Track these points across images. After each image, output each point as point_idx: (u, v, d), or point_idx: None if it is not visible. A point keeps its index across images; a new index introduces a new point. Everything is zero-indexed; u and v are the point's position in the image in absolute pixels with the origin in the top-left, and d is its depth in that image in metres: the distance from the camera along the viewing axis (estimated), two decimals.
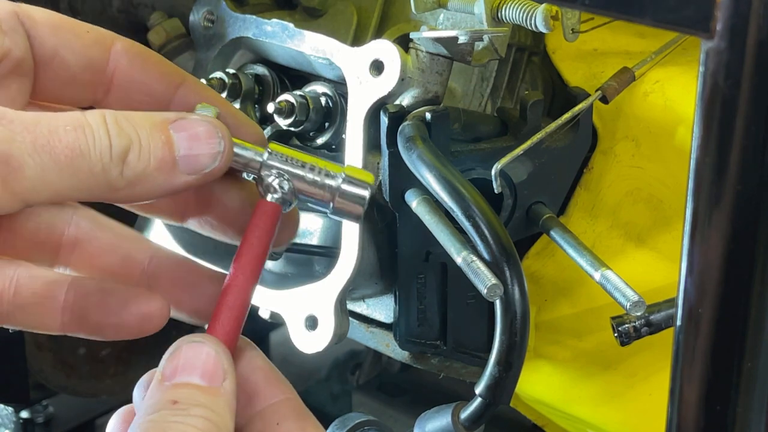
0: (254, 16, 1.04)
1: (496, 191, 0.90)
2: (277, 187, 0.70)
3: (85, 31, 0.72)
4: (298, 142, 1.04)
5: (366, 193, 0.70)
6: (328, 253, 1.04)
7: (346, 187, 0.70)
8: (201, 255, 1.05)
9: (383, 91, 0.92)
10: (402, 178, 0.92)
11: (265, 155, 0.70)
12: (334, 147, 1.02)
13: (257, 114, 1.07)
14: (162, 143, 0.67)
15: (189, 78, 0.74)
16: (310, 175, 0.70)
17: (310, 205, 0.71)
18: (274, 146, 0.71)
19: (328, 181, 0.70)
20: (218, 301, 0.70)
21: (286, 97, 0.99)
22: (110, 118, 0.67)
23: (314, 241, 1.07)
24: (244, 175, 0.73)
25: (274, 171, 0.70)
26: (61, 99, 0.74)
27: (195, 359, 0.68)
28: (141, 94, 0.74)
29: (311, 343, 0.96)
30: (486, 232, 0.83)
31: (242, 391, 0.70)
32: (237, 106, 1.04)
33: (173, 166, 0.68)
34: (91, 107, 0.72)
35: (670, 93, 0.97)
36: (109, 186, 0.66)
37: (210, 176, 0.69)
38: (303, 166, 0.70)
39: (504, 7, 0.90)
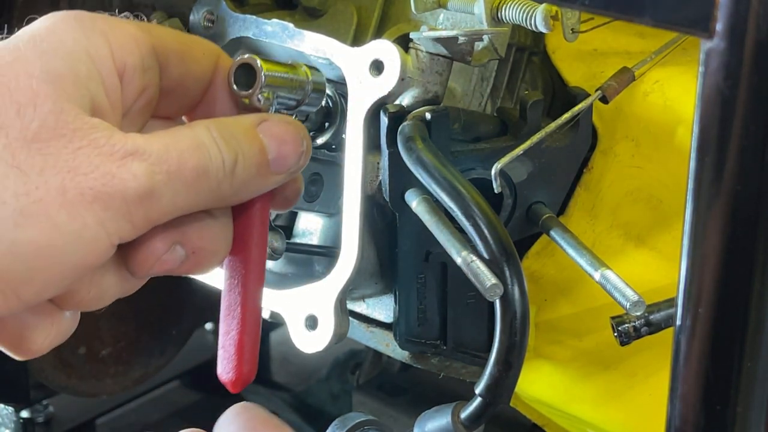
0: (254, 16, 1.04)
1: (496, 191, 0.90)
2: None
3: (202, 54, 0.76)
4: None
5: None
6: (328, 252, 1.04)
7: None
8: None
9: (383, 91, 0.92)
10: (402, 178, 0.92)
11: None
12: (334, 147, 1.01)
13: None
14: (258, 150, 0.71)
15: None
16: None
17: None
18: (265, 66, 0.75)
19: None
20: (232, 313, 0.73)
21: None
22: (215, 133, 0.70)
23: (314, 240, 1.07)
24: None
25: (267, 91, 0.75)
26: (168, 113, 0.77)
27: None
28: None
29: (311, 342, 0.96)
30: (486, 232, 0.83)
31: None
32: None
33: (268, 169, 0.72)
34: None
35: (670, 93, 0.97)
36: (220, 197, 0.70)
37: (294, 174, 0.74)
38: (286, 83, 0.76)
39: (504, 7, 0.90)
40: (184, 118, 0.78)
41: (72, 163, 0.64)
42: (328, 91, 1.01)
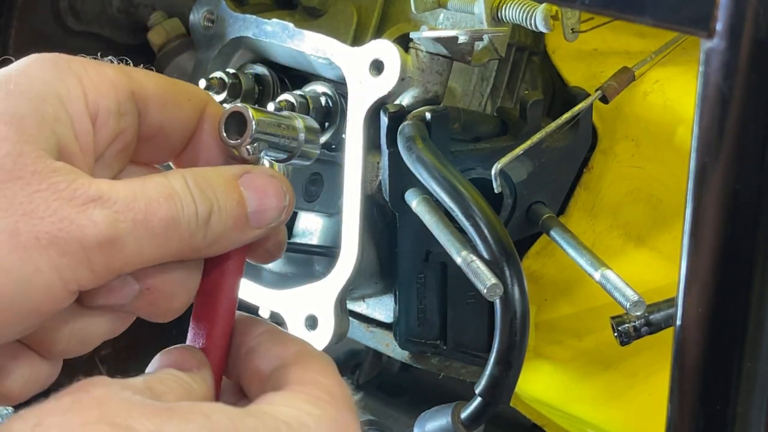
0: (254, 16, 1.04)
1: (496, 191, 0.90)
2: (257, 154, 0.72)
3: (187, 100, 0.73)
4: None
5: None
6: (328, 252, 1.04)
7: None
8: None
9: (383, 91, 0.92)
10: (402, 178, 0.92)
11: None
12: (334, 147, 1.02)
13: None
14: (236, 202, 0.69)
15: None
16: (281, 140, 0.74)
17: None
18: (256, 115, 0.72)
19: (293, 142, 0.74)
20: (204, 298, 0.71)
21: (286, 96, 0.99)
22: (191, 182, 0.68)
23: (314, 240, 1.07)
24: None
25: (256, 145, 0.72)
26: (149, 159, 0.75)
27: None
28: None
29: (311, 342, 0.96)
30: (486, 231, 0.83)
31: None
32: None
33: (246, 223, 0.70)
34: None
35: (670, 93, 0.97)
36: (193, 249, 0.68)
37: (275, 228, 0.72)
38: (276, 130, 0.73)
39: (504, 7, 0.90)
40: (171, 163, 0.77)
41: (28, 207, 0.62)
42: (328, 91, 1.02)
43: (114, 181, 0.66)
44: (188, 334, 0.72)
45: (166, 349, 0.71)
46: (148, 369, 0.70)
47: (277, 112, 0.74)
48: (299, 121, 0.74)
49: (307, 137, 0.74)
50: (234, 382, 0.72)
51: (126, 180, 0.67)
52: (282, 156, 0.74)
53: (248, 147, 0.71)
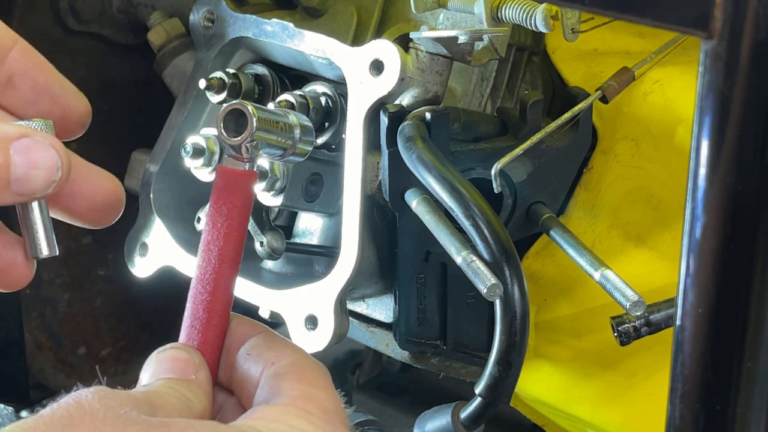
0: (254, 16, 1.04)
1: (496, 191, 0.90)
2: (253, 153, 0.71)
3: None
4: None
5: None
6: (328, 252, 1.04)
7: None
8: None
9: (383, 91, 0.92)
10: (402, 178, 0.92)
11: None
12: (334, 147, 1.01)
13: None
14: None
15: (21, 41, 0.74)
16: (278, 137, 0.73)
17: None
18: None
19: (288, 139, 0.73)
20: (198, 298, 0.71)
21: (286, 96, 0.99)
22: None
23: (314, 240, 1.07)
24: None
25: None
26: None
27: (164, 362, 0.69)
28: None
29: (311, 342, 0.96)
30: (486, 232, 0.83)
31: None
32: None
33: (5, 186, 0.68)
34: None
35: (669, 93, 0.97)
36: None
37: (38, 198, 0.70)
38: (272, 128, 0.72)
39: (504, 7, 0.90)
40: None
41: None
42: (328, 91, 1.02)
43: None
44: (182, 331, 0.72)
45: (162, 348, 0.70)
46: (144, 372, 0.69)
47: (273, 110, 0.74)
48: (294, 119, 0.74)
49: (302, 135, 0.74)
50: (224, 382, 0.72)
51: None
52: (277, 153, 0.73)
53: (247, 145, 0.70)
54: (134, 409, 0.61)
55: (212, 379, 0.70)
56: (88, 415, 0.59)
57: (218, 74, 1.03)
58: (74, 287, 1.38)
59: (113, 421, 0.59)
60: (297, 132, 0.74)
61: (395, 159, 0.91)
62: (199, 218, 1.04)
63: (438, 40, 0.92)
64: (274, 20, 1.01)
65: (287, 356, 0.70)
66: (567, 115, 0.94)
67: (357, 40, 1.03)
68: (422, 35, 0.93)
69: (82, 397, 0.61)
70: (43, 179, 0.68)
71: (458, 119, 0.93)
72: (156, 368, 0.69)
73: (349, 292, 0.96)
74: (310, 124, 0.75)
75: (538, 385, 1.02)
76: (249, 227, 1.01)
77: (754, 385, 0.64)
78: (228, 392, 0.72)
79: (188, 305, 0.72)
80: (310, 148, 0.75)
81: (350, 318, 0.99)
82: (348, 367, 1.66)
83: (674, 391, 0.66)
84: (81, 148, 0.79)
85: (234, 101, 0.74)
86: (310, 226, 1.08)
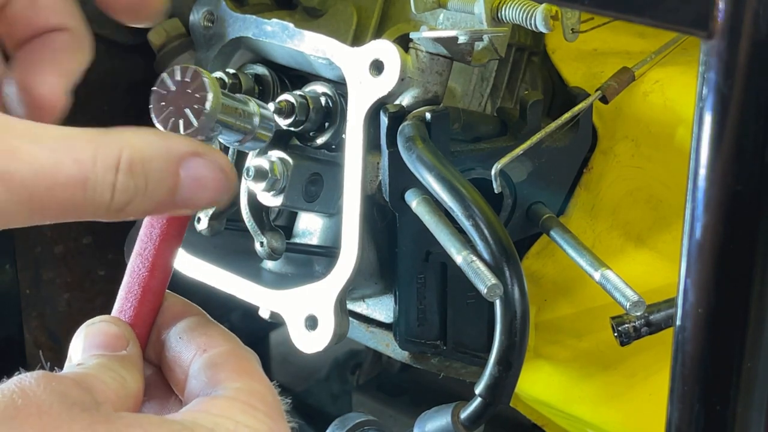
0: (254, 16, 1.04)
1: (496, 191, 0.90)
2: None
3: None
4: (298, 142, 1.03)
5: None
6: (328, 253, 1.04)
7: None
8: (201, 255, 1.05)
9: (383, 91, 0.92)
10: (402, 178, 0.92)
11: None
12: (334, 147, 1.01)
13: None
14: (168, 189, 0.63)
15: None
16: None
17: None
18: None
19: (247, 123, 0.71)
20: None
21: (286, 97, 0.99)
22: (125, 165, 0.61)
23: (314, 240, 1.07)
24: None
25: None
26: None
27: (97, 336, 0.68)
28: None
29: (311, 343, 0.96)
30: (486, 232, 0.83)
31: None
32: None
33: (171, 206, 0.65)
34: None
35: (669, 93, 0.97)
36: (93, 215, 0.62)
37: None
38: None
39: (504, 7, 0.90)
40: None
41: None
42: (328, 91, 1.01)
43: (32, 146, 0.59)
44: (116, 303, 0.71)
45: (91, 321, 0.69)
46: (74, 346, 0.68)
47: (232, 94, 0.71)
48: (254, 105, 0.73)
49: (261, 122, 0.72)
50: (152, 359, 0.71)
51: (47, 143, 0.60)
52: (236, 138, 0.72)
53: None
54: (76, 396, 0.60)
55: (143, 355, 0.70)
56: (33, 406, 0.58)
57: (218, 74, 1.03)
58: (74, 287, 1.38)
59: (58, 414, 0.58)
60: (256, 119, 0.72)
61: (395, 159, 0.91)
62: (199, 218, 1.04)
63: (438, 40, 0.92)
64: (274, 20, 1.02)
65: (220, 344, 0.69)
66: (567, 115, 0.94)
67: (357, 41, 1.03)
68: (422, 35, 0.93)
69: (26, 384, 0.60)
70: (207, 201, 0.66)
71: (458, 119, 0.93)
72: (87, 342, 0.68)
73: (349, 292, 0.96)
74: (270, 113, 0.74)
75: (538, 385, 1.02)
76: (249, 227, 1.01)
77: (754, 385, 0.64)
78: (154, 367, 0.71)
79: (125, 279, 0.71)
80: (270, 135, 0.73)
81: (350, 318, 0.99)
82: (348, 367, 1.66)
83: (674, 391, 0.66)
84: None
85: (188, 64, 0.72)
86: (310, 227, 1.08)
